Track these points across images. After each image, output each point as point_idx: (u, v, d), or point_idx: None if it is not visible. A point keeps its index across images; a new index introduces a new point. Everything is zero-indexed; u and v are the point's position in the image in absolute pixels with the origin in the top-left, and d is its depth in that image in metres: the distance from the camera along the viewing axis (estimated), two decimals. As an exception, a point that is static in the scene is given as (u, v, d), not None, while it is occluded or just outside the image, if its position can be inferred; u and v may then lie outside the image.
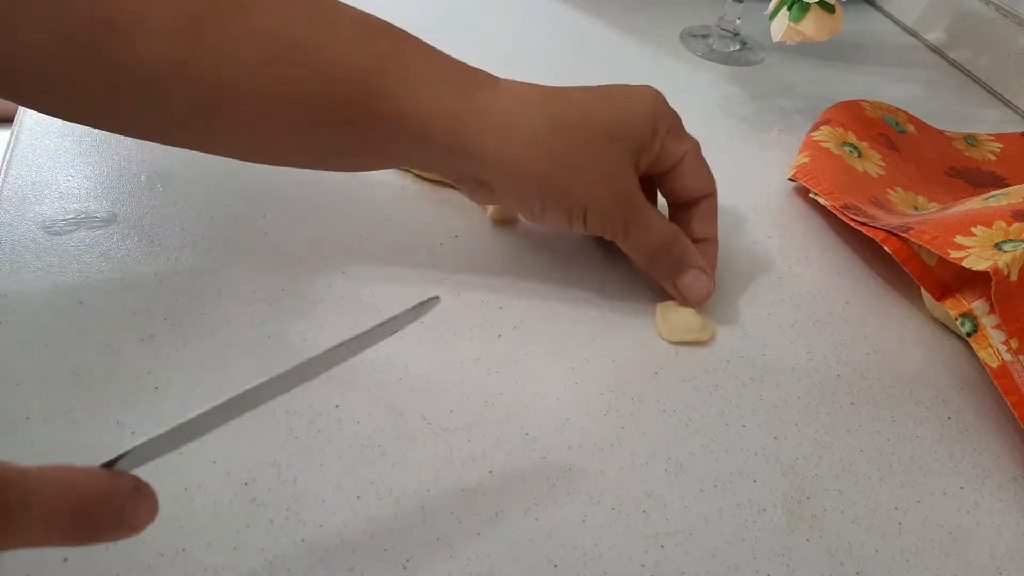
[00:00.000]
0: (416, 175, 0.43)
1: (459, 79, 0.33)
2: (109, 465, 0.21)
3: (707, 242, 0.38)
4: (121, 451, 0.21)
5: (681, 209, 0.39)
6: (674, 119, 0.36)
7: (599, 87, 0.36)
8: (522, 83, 0.35)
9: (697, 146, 0.38)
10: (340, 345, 0.25)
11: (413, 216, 0.41)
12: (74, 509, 0.19)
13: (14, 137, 0.41)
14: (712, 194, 0.38)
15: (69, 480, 0.19)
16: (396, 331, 0.28)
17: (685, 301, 0.37)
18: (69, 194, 0.38)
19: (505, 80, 0.35)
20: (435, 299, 0.30)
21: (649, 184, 0.38)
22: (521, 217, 0.40)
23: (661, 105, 0.36)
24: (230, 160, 0.39)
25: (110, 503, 0.20)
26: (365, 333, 0.26)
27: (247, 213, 0.39)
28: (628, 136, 0.34)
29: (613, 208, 0.35)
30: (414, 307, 0.29)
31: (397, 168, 0.37)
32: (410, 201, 0.42)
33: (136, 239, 0.36)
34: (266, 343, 0.33)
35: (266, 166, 0.37)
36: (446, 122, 0.32)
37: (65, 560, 0.25)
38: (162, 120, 0.31)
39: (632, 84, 0.37)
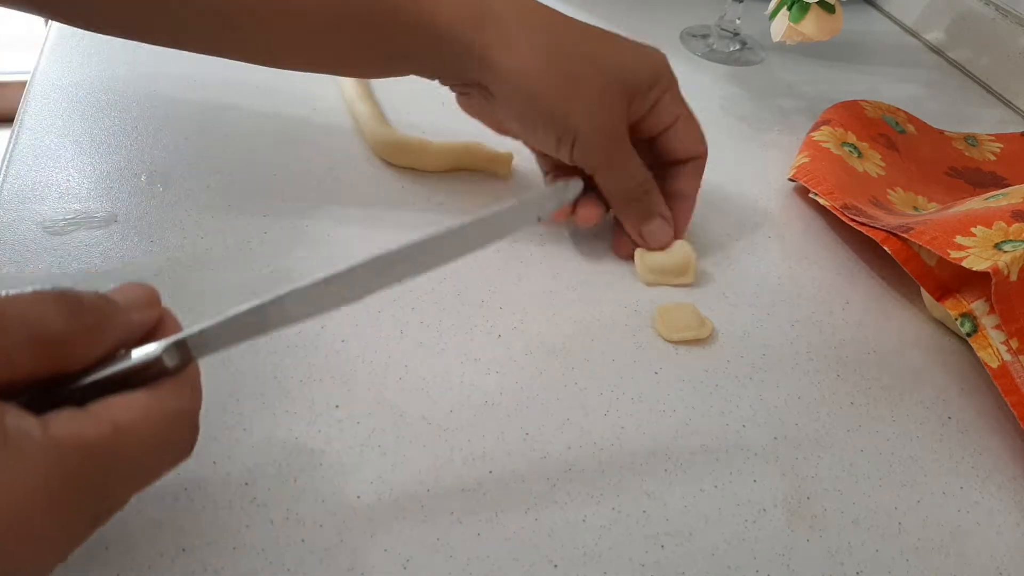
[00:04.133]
0: (422, 171, 0.43)
1: None
2: (177, 345, 0.21)
3: (686, 199, 0.40)
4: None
5: (669, 168, 0.40)
6: (675, 83, 0.38)
7: (613, 32, 0.38)
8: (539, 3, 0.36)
9: (692, 113, 0.39)
10: (472, 223, 0.24)
11: (416, 216, 0.41)
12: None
13: (14, 137, 0.41)
14: (701, 156, 0.40)
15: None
16: (540, 217, 0.29)
17: (646, 245, 0.39)
18: (69, 194, 0.38)
19: None
20: (577, 181, 0.33)
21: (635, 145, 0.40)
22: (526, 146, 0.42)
23: (664, 66, 0.38)
24: (230, 160, 0.39)
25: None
26: (505, 211, 0.25)
27: (247, 212, 0.39)
28: (627, 80, 0.36)
29: (601, 140, 0.36)
30: (556, 188, 0.31)
31: (400, 75, 0.38)
32: (415, 200, 0.42)
33: (136, 239, 0.36)
34: (265, 344, 0.33)
35: (265, 162, 0.36)
36: (461, 28, 0.34)
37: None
38: (178, 20, 0.32)
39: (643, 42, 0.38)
